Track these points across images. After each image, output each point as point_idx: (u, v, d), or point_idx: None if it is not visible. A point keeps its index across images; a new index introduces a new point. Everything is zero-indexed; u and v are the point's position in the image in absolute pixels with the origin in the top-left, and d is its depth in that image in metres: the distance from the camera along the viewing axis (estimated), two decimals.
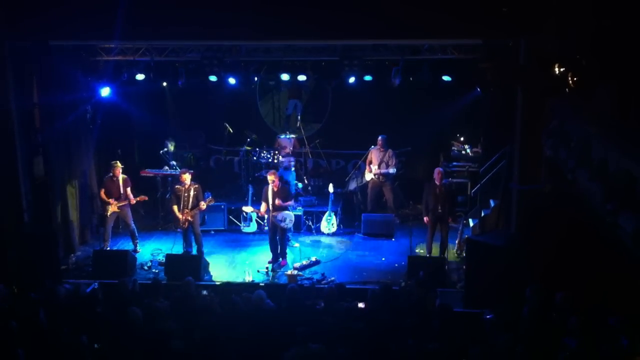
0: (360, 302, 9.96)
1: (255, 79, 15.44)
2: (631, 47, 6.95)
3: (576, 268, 9.21)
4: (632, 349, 7.22)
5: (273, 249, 12.91)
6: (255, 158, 15.99)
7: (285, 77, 13.82)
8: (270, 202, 12.67)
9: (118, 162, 13.37)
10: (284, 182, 13.69)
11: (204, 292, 10.64)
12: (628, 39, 7.03)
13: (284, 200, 12.73)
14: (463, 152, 15.66)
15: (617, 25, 7.30)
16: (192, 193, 12.81)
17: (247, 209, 14.04)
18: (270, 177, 12.68)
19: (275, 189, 12.68)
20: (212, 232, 14.76)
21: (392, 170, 14.70)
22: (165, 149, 15.18)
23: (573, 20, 8.98)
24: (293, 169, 14.48)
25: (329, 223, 14.57)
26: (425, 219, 12.95)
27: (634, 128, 7.01)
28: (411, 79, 13.53)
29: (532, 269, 10.41)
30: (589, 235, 8.84)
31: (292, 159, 15.79)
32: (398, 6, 11.20)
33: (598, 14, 7.88)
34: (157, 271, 12.67)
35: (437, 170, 12.84)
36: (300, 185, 15.22)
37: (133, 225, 13.58)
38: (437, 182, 12.70)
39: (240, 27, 11.79)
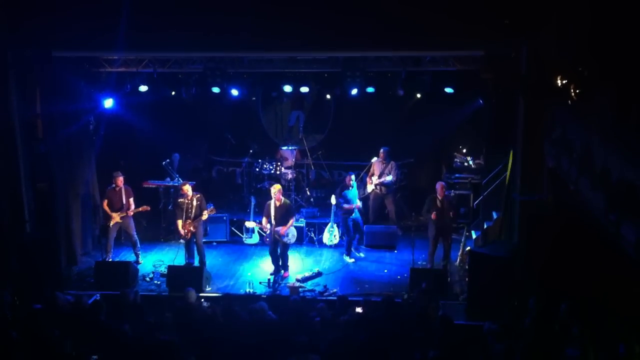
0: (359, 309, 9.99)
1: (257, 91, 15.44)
2: (630, 50, 6.95)
3: (579, 278, 9.17)
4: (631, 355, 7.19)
5: (275, 262, 12.89)
6: (257, 169, 16.02)
7: (287, 88, 13.85)
8: (273, 216, 12.64)
9: (120, 172, 13.38)
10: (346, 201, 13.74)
11: (205, 304, 10.63)
12: (627, 41, 7.04)
13: (286, 215, 12.70)
14: (465, 163, 15.67)
15: (616, 28, 7.30)
16: (195, 203, 12.81)
17: (250, 224, 14.02)
18: (273, 191, 12.66)
19: (278, 203, 12.66)
20: (214, 244, 14.76)
21: (389, 178, 14.63)
22: (168, 160, 15.19)
23: (573, 23, 9.00)
24: (353, 184, 13.99)
25: (331, 234, 14.53)
26: (433, 215, 12.73)
27: (635, 134, 6.99)
28: (418, 95, 13.61)
29: (534, 280, 10.38)
30: (591, 245, 8.81)
31: (293, 171, 15.83)
32: (400, 18, 11.22)
33: (597, 17, 7.89)
34: (159, 282, 12.64)
35: (440, 184, 12.82)
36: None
37: (135, 236, 13.57)
38: (439, 196, 12.67)
39: (242, 39, 11.82)
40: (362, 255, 14.03)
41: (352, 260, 13.78)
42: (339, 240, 14.60)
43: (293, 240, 12.97)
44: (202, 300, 10.88)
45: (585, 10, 8.40)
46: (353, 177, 13.97)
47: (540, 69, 10.44)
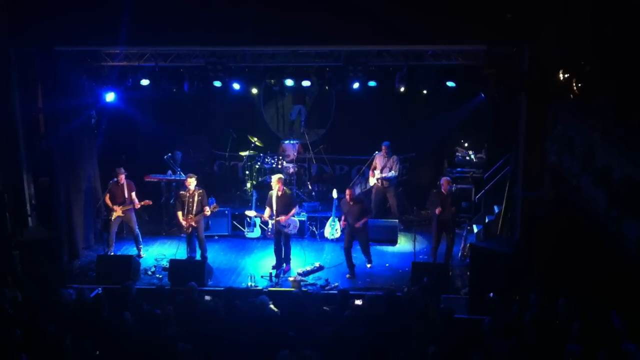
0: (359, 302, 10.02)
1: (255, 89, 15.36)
2: (631, 52, 6.96)
3: (580, 274, 9.19)
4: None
5: (277, 255, 12.89)
6: (259, 163, 16.03)
7: (289, 82, 13.84)
8: (275, 207, 12.66)
9: (122, 168, 13.38)
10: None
11: (207, 297, 10.66)
12: (628, 43, 7.04)
13: (288, 206, 12.70)
14: (467, 157, 15.68)
15: (617, 30, 7.31)
16: (196, 198, 12.82)
17: (251, 213, 14.05)
18: (274, 181, 12.66)
19: (280, 194, 12.67)
20: (216, 238, 14.77)
21: (391, 174, 14.67)
22: (170, 154, 15.21)
23: (574, 24, 9.00)
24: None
25: (332, 228, 14.53)
26: (437, 210, 12.62)
27: (636, 133, 7.01)
28: (424, 91, 13.60)
29: (535, 275, 10.39)
30: (592, 241, 8.83)
31: (295, 166, 15.84)
32: (402, 12, 11.21)
33: (598, 19, 7.90)
34: (160, 276, 12.66)
35: (445, 179, 12.81)
36: None
37: (137, 230, 13.59)
38: (443, 192, 12.65)
39: (244, 33, 11.82)
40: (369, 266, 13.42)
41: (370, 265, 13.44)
42: (340, 234, 14.60)
43: (295, 230, 12.97)
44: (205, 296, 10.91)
45: (586, 11, 8.40)
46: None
47: (542, 66, 10.44)
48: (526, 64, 11.21)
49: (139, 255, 13.55)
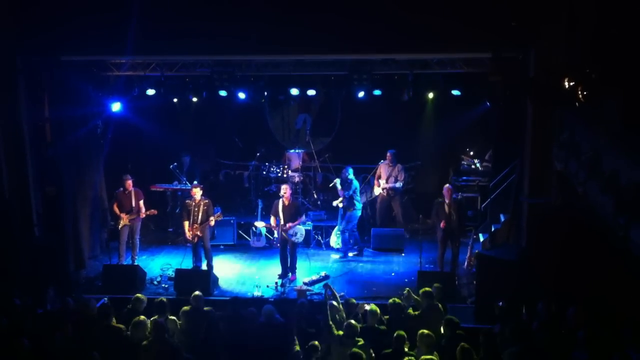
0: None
1: (265, 93, 15.38)
2: (636, 55, 6.96)
3: (587, 281, 9.14)
4: None
5: (283, 264, 12.88)
6: (264, 172, 16.04)
7: (294, 91, 13.87)
8: (281, 216, 12.65)
9: (129, 175, 13.38)
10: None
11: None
12: (633, 46, 7.04)
13: (294, 214, 12.70)
14: (473, 166, 15.66)
15: (622, 33, 7.31)
16: (202, 208, 12.81)
17: (259, 224, 14.03)
18: (284, 189, 12.69)
19: (287, 203, 12.67)
20: (222, 247, 14.77)
21: (398, 185, 14.69)
22: (176, 164, 15.23)
23: (580, 28, 9.00)
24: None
25: (338, 238, 14.52)
26: (442, 223, 12.62)
27: None
28: (430, 95, 13.63)
29: (542, 283, 10.34)
30: (600, 248, 8.78)
31: (300, 174, 15.84)
32: (407, 20, 11.24)
33: (603, 22, 7.89)
34: (166, 286, 12.64)
35: (446, 187, 12.77)
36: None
37: (138, 240, 13.54)
38: (446, 200, 12.62)
39: (249, 42, 11.84)
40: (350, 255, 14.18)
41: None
42: None
43: (301, 239, 12.95)
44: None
45: (591, 15, 8.40)
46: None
47: (548, 72, 10.43)
48: (532, 70, 11.21)
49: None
